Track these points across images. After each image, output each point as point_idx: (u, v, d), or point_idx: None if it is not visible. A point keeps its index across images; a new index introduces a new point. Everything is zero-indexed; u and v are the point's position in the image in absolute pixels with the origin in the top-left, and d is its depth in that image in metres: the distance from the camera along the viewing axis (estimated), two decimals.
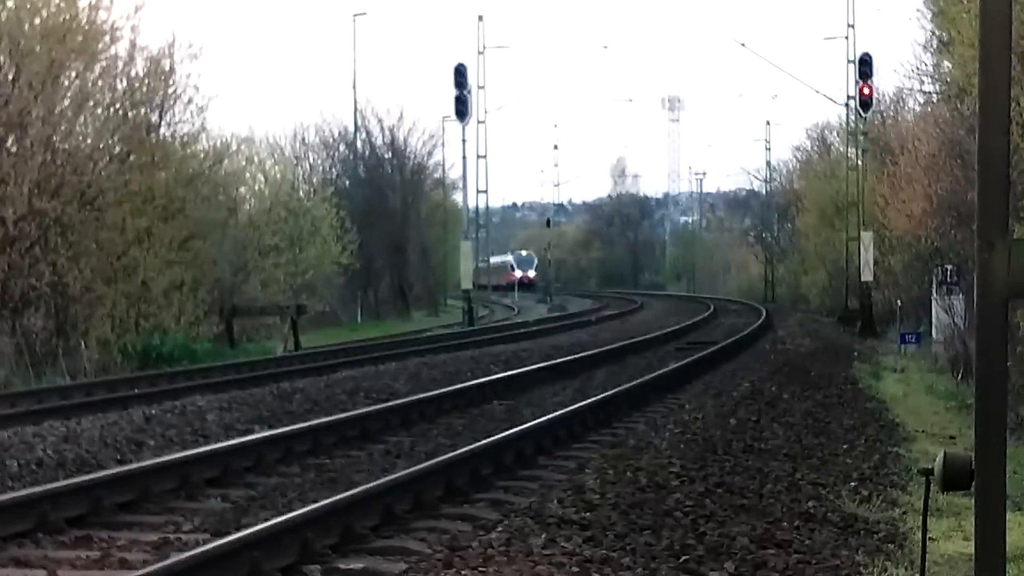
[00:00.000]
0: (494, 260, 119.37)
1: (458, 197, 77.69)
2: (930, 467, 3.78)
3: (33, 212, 31.13)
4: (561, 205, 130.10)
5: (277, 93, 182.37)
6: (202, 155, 41.24)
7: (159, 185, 35.72)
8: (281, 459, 15.64)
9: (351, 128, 72.11)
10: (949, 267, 32.25)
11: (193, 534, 11.50)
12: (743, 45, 59.67)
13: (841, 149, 63.83)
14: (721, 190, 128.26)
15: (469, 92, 54.61)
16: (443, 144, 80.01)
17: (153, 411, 20.09)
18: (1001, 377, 3.18)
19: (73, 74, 33.64)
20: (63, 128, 32.99)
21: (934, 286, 33.77)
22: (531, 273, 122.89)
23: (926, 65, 41.12)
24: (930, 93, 42.11)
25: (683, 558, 10.17)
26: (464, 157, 58.67)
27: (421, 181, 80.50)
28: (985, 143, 3.12)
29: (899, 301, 39.92)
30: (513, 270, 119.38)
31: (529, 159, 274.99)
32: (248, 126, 58.35)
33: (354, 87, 69.70)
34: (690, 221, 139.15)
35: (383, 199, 72.54)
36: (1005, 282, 3.14)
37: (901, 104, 52.19)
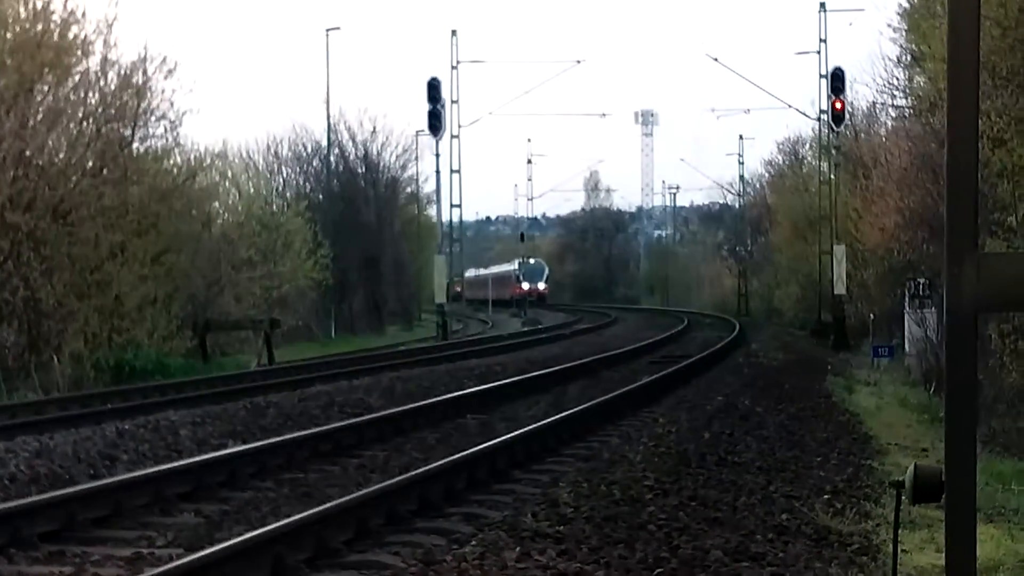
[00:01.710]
0: (494, 270, 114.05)
1: (432, 211, 77.70)
2: (901, 480, 3.80)
3: (6, 226, 31.03)
4: (535, 219, 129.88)
5: (250, 106, 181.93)
6: (175, 170, 41.15)
7: (132, 200, 35.62)
8: (255, 474, 15.61)
9: (324, 142, 72.06)
10: (921, 280, 32.36)
11: (167, 549, 11.47)
12: (716, 60, 59.95)
13: (813, 163, 64.05)
14: (695, 204, 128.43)
15: (443, 106, 54.60)
16: (417, 158, 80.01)
17: (126, 426, 20.03)
18: (970, 390, 3.19)
19: (45, 88, 33.57)
20: (36, 142, 32.89)
21: (906, 299, 33.89)
22: (541, 285, 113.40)
23: (898, 79, 41.34)
24: (902, 107, 42.32)
25: (657, 571, 10.19)
26: (438, 171, 58.68)
27: (395, 195, 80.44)
28: (954, 156, 3.14)
29: (872, 314, 40.05)
30: (519, 281, 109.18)
31: (503, 173, 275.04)
32: (222, 140, 58.67)
33: (327, 101, 69.57)
34: (664, 235, 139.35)
35: (357, 213, 72.47)
36: (974, 295, 3.16)
37: (873, 118, 52.41)
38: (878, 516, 12.87)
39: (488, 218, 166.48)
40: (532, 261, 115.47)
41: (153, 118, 37.51)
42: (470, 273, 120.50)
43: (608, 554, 10.70)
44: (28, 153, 32.43)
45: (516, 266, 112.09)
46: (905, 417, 23.52)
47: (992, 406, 19.29)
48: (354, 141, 76.67)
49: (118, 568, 10.81)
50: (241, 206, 51.92)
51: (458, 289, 71.93)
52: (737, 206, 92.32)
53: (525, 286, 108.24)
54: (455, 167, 58.94)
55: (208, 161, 46.39)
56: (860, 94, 52.33)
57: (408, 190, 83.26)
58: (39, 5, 32.97)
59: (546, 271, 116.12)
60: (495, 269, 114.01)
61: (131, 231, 35.65)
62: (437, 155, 57.62)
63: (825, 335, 50.12)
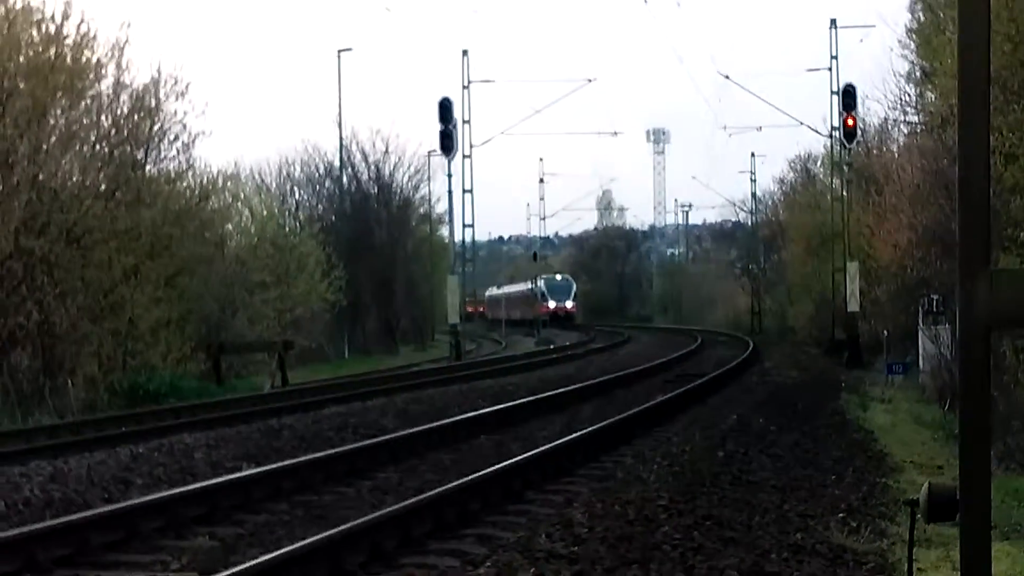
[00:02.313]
0: (515, 288, 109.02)
1: (445, 231, 77.71)
2: (915, 498, 3.78)
3: (19, 251, 31.10)
4: (547, 238, 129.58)
5: (263, 127, 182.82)
6: (188, 192, 41.25)
7: (145, 222, 35.70)
8: (269, 496, 15.60)
9: (337, 163, 72.18)
10: (935, 297, 32.28)
11: (181, 572, 11.46)
12: (727, 77, 59.94)
13: (825, 180, 63.99)
14: (707, 222, 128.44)
15: (454, 126, 54.56)
16: (429, 179, 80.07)
17: (140, 449, 20.04)
18: (984, 407, 3.17)
19: (58, 112, 33.67)
20: (49, 166, 32.97)
21: (920, 316, 33.80)
22: (568, 303, 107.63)
23: (909, 96, 41.32)
24: (914, 124, 42.28)
25: None
26: (450, 191, 58.64)
27: (407, 216, 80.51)
28: (965, 173, 3.12)
29: (886, 331, 39.95)
30: (545, 300, 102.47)
31: (515, 193, 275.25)
32: (234, 161, 58.93)
33: (339, 122, 69.77)
34: (676, 253, 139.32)
35: (369, 234, 72.55)
36: (987, 312, 3.15)
37: (885, 134, 52.34)
38: (893, 534, 12.82)
39: (501, 238, 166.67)
40: (559, 277, 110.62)
41: (166, 140, 37.64)
42: (492, 292, 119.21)
43: (622, 574, 10.67)
44: (41, 177, 32.51)
45: (541, 283, 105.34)
46: (920, 434, 23.45)
47: (1007, 423, 19.22)
48: (367, 162, 76.85)
49: None
50: (254, 228, 52.02)
51: (469, 309, 71.73)
52: (749, 224, 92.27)
53: (551, 304, 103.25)
54: (467, 187, 58.96)
55: (221, 183, 46.51)
56: (872, 110, 52.31)
57: (421, 210, 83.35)
58: (52, 29, 33.09)
59: (574, 288, 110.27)
60: (518, 287, 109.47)
61: (144, 254, 35.73)
62: (449, 175, 57.63)
63: (839, 352, 50.01)
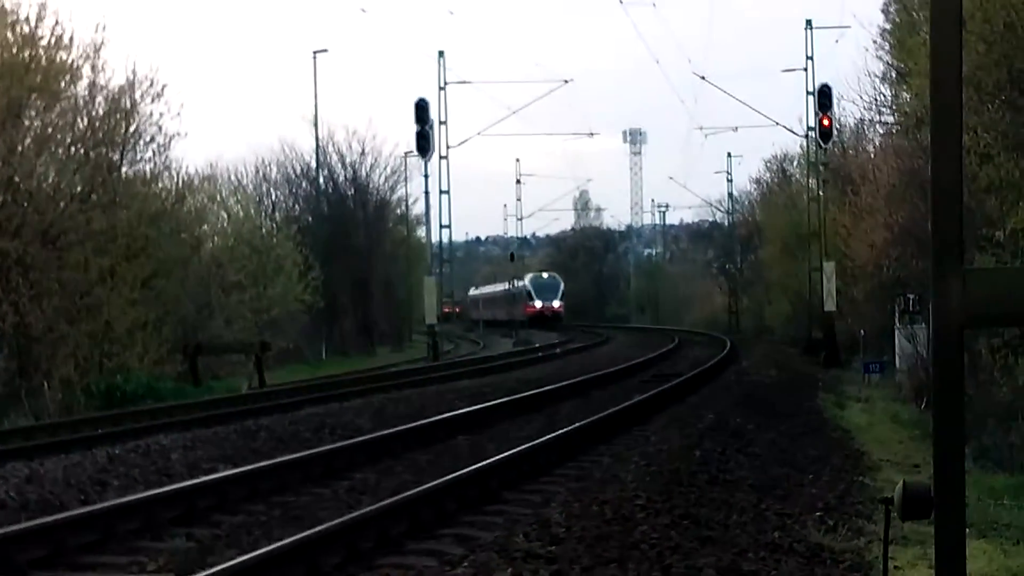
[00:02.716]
0: (499, 288, 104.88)
1: (422, 232, 77.66)
2: (890, 496, 3.79)
3: None
4: (525, 239, 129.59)
5: (238, 128, 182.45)
6: (164, 193, 41.17)
7: (121, 224, 35.63)
8: (246, 497, 15.58)
9: (313, 164, 72.08)
10: (911, 296, 32.40)
11: (158, 574, 11.44)
12: (703, 78, 60.04)
13: (801, 180, 64.14)
14: (684, 222, 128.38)
15: (431, 127, 54.56)
16: (406, 180, 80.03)
17: (117, 451, 20.00)
18: (958, 405, 3.19)
19: (33, 113, 33.58)
20: (24, 168, 32.88)
21: (897, 315, 33.91)
22: (556, 303, 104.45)
23: (884, 96, 41.46)
24: (889, 124, 42.42)
25: None
26: (427, 192, 58.66)
27: (384, 217, 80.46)
28: (938, 172, 3.14)
29: (862, 331, 40.06)
30: (531, 299, 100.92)
31: (492, 194, 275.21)
32: (210, 163, 58.71)
33: (316, 123, 69.66)
34: (654, 253, 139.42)
35: (346, 235, 72.47)
36: (960, 310, 3.16)
37: (861, 135, 52.50)
38: (870, 533, 12.85)
39: (478, 238, 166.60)
40: (546, 275, 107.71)
41: (141, 142, 37.56)
42: (476, 292, 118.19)
43: (600, 574, 10.68)
44: (16, 178, 32.43)
45: (527, 282, 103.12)
46: (897, 433, 23.52)
47: (983, 421, 19.28)
48: (343, 163, 76.78)
49: None
50: (230, 229, 51.94)
51: (447, 310, 71.51)
52: (726, 224, 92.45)
53: (537, 304, 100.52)
54: (444, 188, 59.00)
55: (197, 184, 46.43)
56: (847, 111, 52.43)
57: (398, 211, 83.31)
58: (27, 30, 33.01)
59: (561, 287, 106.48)
60: (499, 287, 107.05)
61: (120, 255, 35.65)
62: (426, 176, 57.66)
63: (816, 352, 50.13)
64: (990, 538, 12.64)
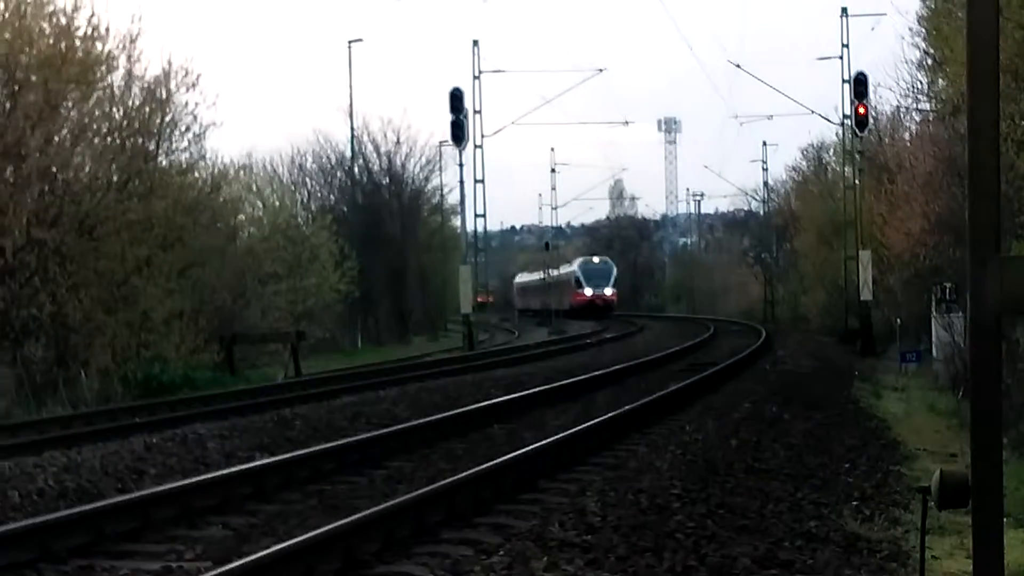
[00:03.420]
0: (550, 273, 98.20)
1: (456, 222, 77.71)
2: (927, 485, 3.78)
3: (32, 242, 31.17)
4: (560, 228, 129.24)
5: (274, 118, 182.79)
6: (200, 183, 41.31)
7: (158, 213, 35.75)
8: (282, 486, 15.62)
9: (348, 154, 72.23)
10: (948, 285, 32.23)
11: (195, 562, 11.48)
12: (738, 66, 59.80)
13: (837, 168, 63.92)
14: (719, 211, 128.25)
15: (465, 116, 54.54)
16: (440, 169, 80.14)
17: (154, 440, 20.08)
18: (995, 393, 3.18)
19: (70, 104, 33.72)
20: (61, 158, 33.03)
21: (933, 304, 33.75)
22: (608, 291, 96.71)
23: (921, 83, 41.25)
24: (926, 111, 42.22)
25: None
26: (461, 182, 58.63)
27: (419, 206, 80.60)
28: (975, 160, 3.13)
29: (898, 320, 39.91)
30: (581, 287, 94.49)
31: (527, 182, 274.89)
32: (246, 152, 58.57)
33: (350, 113, 69.97)
34: (689, 242, 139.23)
35: (381, 225, 72.63)
36: (998, 298, 3.15)
37: (897, 122, 52.27)
38: (907, 522, 12.81)
39: (513, 227, 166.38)
40: (596, 260, 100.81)
41: (177, 131, 37.68)
42: (522, 278, 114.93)
43: (636, 563, 10.67)
44: (53, 169, 32.57)
45: (576, 266, 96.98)
46: (933, 422, 23.43)
47: (1021, 410, 19.19)
48: (378, 153, 76.99)
49: None
50: (266, 219, 52.09)
51: (481, 299, 71.27)
52: (762, 213, 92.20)
53: (588, 292, 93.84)
54: (479, 177, 58.96)
55: (232, 174, 46.54)
56: (883, 98, 52.24)
57: (432, 201, 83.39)
58: (63, 22, 33.14)
59: (614, 272, 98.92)
60: (551, 272, 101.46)
61: (156, 245, 35.79)
62: (461, 165, 57.62)
63: (852, 341, 49.99)
64: None
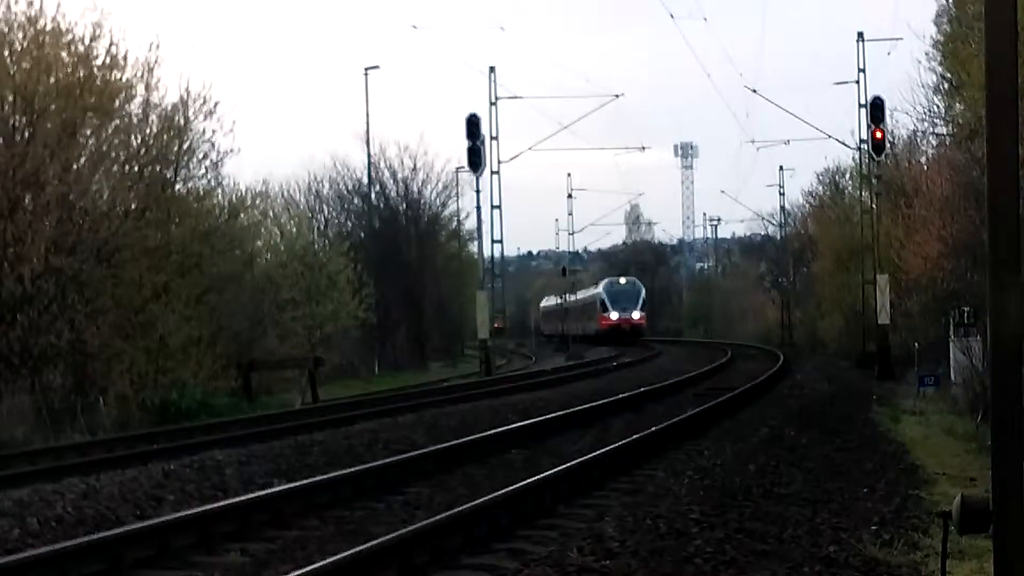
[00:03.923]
0: (576, 297, 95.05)
1: (473, 247, 77.67)
2: (948, 510, 3.77)
3: (50, 270, 31.25)
4: (576, 253, 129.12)
5: (291, 144, 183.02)
6: (217, 210, 41.39)
7: (175, 240, 35.84)
8: (300, 512, 15.62)
9: (365, 180, 72.33)
10: (966, 309, 32.13)
11: None
12: (754, 91, 59.85)
13: (854, 193, 63.84)
14: (736, 236, 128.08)
15: (482, 143, 54.54)
16: (457, 195, 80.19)
17: (172, 466, 20.09)
18: (1017, 416, 3.17)
19: (88, 132, 33.84)
20: (79, 186, 33.12)
21: (951, 328, 33.64)
22: (636, 315, 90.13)
23: (937, 107, 41.22)
24: (943, 135, 42.18)
25: None
26: (478, 207, 58.62)
27: (436, 232, 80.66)
28: (994, 184, 3.13)
29: (916, 344, 39.79)
30: (607, 310, 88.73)
31: (544, 208, 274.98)
32: (262, 179, 58.76)
33: (367, 140, 69.93)
34: (706, 267, 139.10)
35: (398, 251, 72.70)
36: (1018, 322, 3.15)
37: (914, 147, 52.22)
38: (927, 547, 12.76)
39: (530, 253, 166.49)
40: (623, 281, 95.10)
41: (195, 159, 37.79)
42: (548, 302, 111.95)
43: None
44: (72, 197, 32.67)
45: (601, 289, 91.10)
46: (952, 447, 23.33)
47: None
48: (395, 179, 77.11)
49: None
50: (283, 246, 52.16)
51: (498, 325, 70.99)
52: (779, 237, 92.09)
53: (613, 316, 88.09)
54: (496, 203, 58.97)
55: (249, 201, 46.63)
56: (900, 123, 52.18)
57: (449, 227, 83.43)
58: (82, 50, 33.27)
59: (642, 295, 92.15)
60: (577, 295, 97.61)
61: (174, 272, 35.86)
62: (478, 191, 57.62)
63: (870, 365, 49.82)
64: None
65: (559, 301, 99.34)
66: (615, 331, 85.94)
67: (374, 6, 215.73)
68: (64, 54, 33.09)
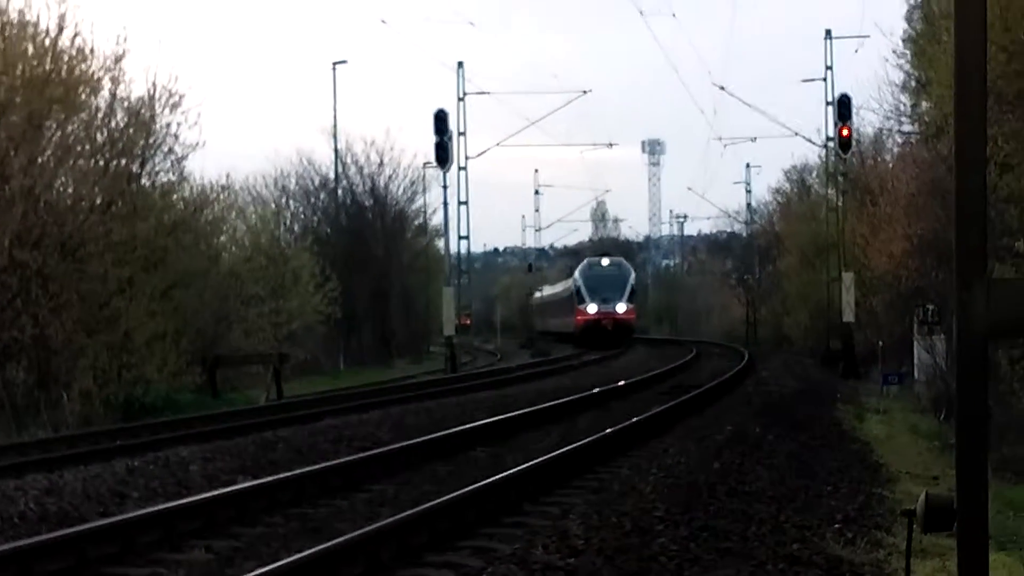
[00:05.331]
0: (546, 290, 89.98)
1: (440, 243, 77.60)
2: (912, 508, 3.77)
3: (14, 264, 31.06)
4: (543, 250, 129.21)
5: (257, 139, 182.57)
6: (182, 204, 41.23)
7: (140, 235, 35.65)
8: (265, 509, 15.57)
9: (332, 175, 72.17)
10: (930, 307, 32.31)
11: None
12: (722, 88, 59.90)
13: (820, 190, 64.07)
14: (702, 233, 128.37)
15: (449, 138, 54.52)
16: (424, 190, 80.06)
17: (136, 463, 20.00)
18: (982, 416, 3.17)
19: (54, 125, 33.63)
20: (44, 179, 32.92)
21: (915, 326, 33.81)
22: (620, 307, 74.27)
23: (904, 105, 41.41)
24: (909, 133, 42.36)
25: None
26: (445, 203, 58.66)
27: (402, 228, 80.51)
28: (962, 182, 3.13)
29: (881, 342, 39.95)
30: (583, 302, 73.85)
31: (510, 204, 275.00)
32: (227, 173, 58.15)
33: (334, 135, 69.74)
34: (672, 264, 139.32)
35: (365, 246, 72.52)
36: (984, 321, 3.15)
37: (880, 144, 52.44)
38: (890, 545, 12.81)
39: (496, 249, 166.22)
40: (606, 263, 78.28)
41: (160, 153, 37.61)
42: (546, 290, 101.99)
43: None
44: (36, 190, 32.47)
45: (578, 278, 76.27)
46: (916, 445, 23.45)
47: (1003, 433, 19.22)
48: (361, 174, 76.90)
49: None
50: (248, 241, 52.00)
51: (465, 322, 70.53)
52: (745, 235, 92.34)
53: (592, 310, 73.35)
54: (463, 199, 59.02)
55: (214, 195, 46.43)
56: (867, 120, 52.42)
57: (416, 222, 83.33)
58: (48, 43, 33.07)
59: (630, 281, 76.49)
60: (546, 289, 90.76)
61: (139, 266, 35.67)
62: (445, 187, 57.65)
63: (834, 363, 50.01)
64: (1010, 551, 12.58)
65: (556, 290, 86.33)
66: (594, 329, 71.98)
67: (343, 0, 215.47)
68: (30, 46, 32.88)
